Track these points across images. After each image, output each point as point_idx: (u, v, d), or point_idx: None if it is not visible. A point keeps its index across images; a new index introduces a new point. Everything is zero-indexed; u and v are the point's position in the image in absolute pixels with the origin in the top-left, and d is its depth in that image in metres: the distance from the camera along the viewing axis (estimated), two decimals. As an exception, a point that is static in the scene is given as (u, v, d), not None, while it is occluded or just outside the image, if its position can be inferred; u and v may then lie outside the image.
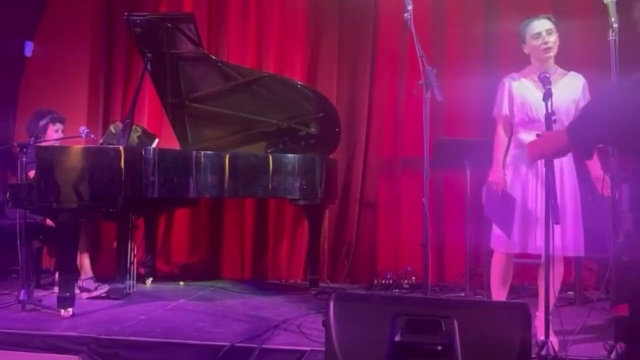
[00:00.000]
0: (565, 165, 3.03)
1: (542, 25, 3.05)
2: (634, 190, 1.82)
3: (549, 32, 3.04)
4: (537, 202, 3.00)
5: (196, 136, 4.55)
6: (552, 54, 3.06)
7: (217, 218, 5.16)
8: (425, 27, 4.69)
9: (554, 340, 2.82)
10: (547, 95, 2.72)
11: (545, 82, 2.78)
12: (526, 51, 3.14)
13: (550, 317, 2.74)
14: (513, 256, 3.18)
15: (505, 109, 3.16)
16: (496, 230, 3.14)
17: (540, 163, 2.90)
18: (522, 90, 3.11)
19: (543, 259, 2.89)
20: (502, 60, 4.58)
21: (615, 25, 2.75)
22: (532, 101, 3.06)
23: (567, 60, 3.29)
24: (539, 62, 3.10)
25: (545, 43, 3.03)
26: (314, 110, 4.39)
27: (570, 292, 4.14)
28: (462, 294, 4.24)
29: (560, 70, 3.11)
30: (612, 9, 2.76)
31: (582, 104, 2.98)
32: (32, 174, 3.62)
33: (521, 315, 1.78)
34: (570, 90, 3.05)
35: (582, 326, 2.97)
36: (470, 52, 4.81)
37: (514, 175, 3.10)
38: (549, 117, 2.70)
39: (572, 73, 3.10)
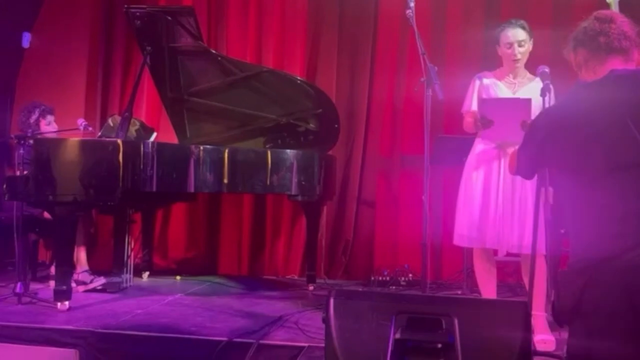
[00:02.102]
0: None
1: (514, 35, 3.11)
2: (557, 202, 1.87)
3: (520, 44, 3.11)
4: (497, 198, 3.06)
5: (194, 131, 4.52)
6: (521, 64, 3.15)
7: (215, 213, 5.15)
8: (425, 25, 4.66)
9: (550, 338, 2.84)
10: (545, 90, 2.73)
11: (544, 77, 2.81)
12: (499, 53, 3.20)
13: (546, 314, 2.75)
14: (491, 252, 3.20)
15: (474, 105, 3.23)
16: (457, 228, 3.19)
17: (504, 160, 3.03)
18: (493, 89, 3.19)
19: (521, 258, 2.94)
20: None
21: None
22: None
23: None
24: (508, 67, 3.19)
25: (515, 55, 3.11)
26: (313, 106, 4.37)
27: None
28: (459, 292, 4.25)
29: (528, 75, 3.18)
30: (615, 10, 2.77)
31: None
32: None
33: (522, 314, 1.78)
34: (536, 94, 3.05)
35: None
36: (471, 50, 4.79)
37: (476, 170, 3.15)
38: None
39: (538, 78, 3.06)
